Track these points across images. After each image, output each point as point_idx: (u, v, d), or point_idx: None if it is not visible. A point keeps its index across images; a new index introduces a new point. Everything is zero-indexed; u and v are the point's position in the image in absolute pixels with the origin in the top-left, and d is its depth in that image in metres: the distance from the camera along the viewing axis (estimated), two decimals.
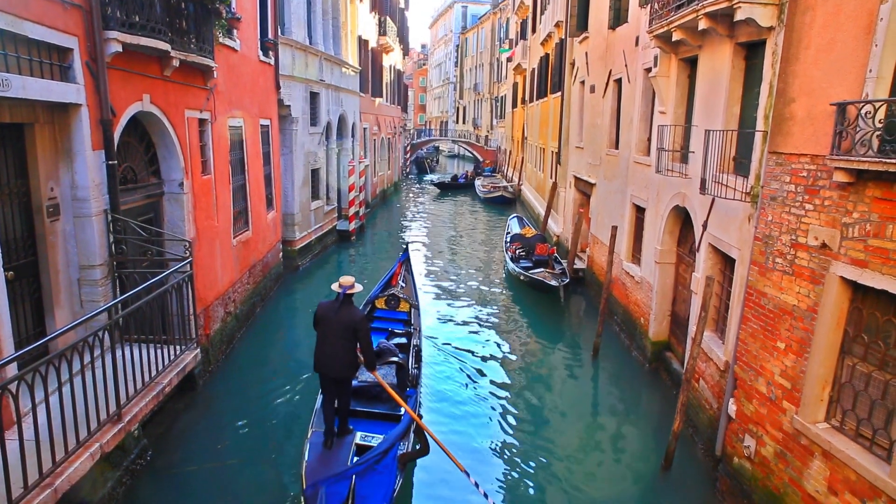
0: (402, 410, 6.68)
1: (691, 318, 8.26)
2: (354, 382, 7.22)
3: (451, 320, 12.60)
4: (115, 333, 5.17)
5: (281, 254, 14.49)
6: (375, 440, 6.44)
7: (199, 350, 6.90)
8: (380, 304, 10.37)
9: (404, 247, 13.30)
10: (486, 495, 6.16)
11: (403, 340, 8.97)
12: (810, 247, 5.48)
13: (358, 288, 6.44)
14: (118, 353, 5.13)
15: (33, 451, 4.01)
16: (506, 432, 8.18)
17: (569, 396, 9.49)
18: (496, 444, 7.85)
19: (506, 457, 7.57)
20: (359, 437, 6.45)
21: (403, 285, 11.49)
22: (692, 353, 7.17)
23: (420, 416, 6.96)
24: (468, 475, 6.21)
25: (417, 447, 6.23)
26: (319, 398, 7.03)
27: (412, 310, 10.37)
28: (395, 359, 7.80)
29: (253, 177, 11.72)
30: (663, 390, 9.24)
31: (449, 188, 36.02)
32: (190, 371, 6.83)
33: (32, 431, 4.05)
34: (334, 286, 6.47)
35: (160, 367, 5.96)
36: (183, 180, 8.16)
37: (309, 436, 6.56)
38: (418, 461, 7.03)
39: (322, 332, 6.33)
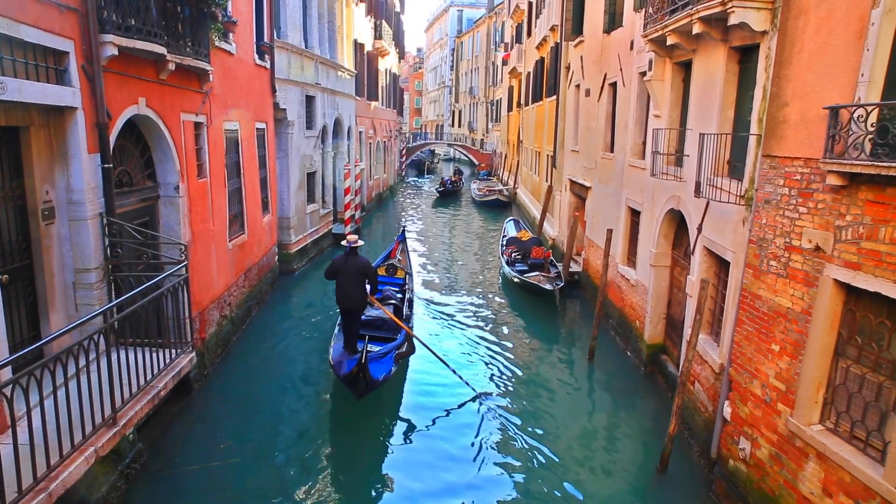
0: (397, 335, 9.38)
1: (686, 321, 8.28)
2: (363, 317, 9.56)
3: (446, 324, 12.60)
4: (111, 337, 5.15)
5: (276, 257, 14.47)
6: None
7: (194, 353, 6.88)
8: (381, 271, 12.79)
9: (402, 228, 16.65)
10: (465, 381, 9.32)
11: (399, 295, 11.66)
12: (804, 249, 5.52)
13: (360, 242, 9.14)
14: (113, 357, 5.11)
15: (27, 455, 4.00)
16: (500, 435, 8.18)
17: (564, 399, 9.49)
18: (490, 448, 7.86)
19: (500, 459, 7.58)
20: (367, 347, 8.20)
21: (400, 258, 14.34)
22: (687, 356, 7.19)
23: (411, 327, 10.20)
24: (449, 366, 9.51)
25: (407, 349, 9.22)
26: (338, 327, 9.69)
27: (406, 276, 13.12)
28: (392, 301, 10.84)
29: (249, 180, 11.71)
30: (659, 393, 9.26)
31: (448, 195, 34.62)
32: (185, 375, 6.81)
33: (27, 435, 4.03)
34: (343, 242, 9.19)
35: (155, 371, 5.94)
36: (178, 184, 8.15)
37: (332, 345, 9.14)
38: (411, 369, 10.08)
39: (339, 279, 8.75)
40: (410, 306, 11.73)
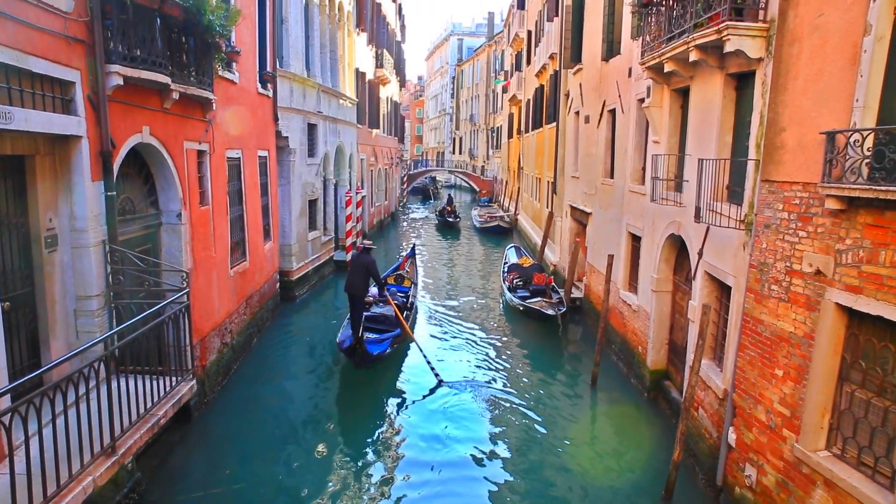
0: (396, 329, 11.50)
1: (689, 347, 8.24)
2: (368, 313, 11.66)
3: (448, 349, 12.53)
4: (111, 364, 5.13)
5: (278, 284, 14.47)
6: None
7: (194, 381, 6.85)
8: (390, 280, 14.76)
9: (412, 245, 19.23)
10: (431, 367, 10.78)
11: (404, 300, 13.65)
12: (805, 273, 5.52)
13: (374, 247, 12.22)
14: (113, 385, 5.09)
15: (24, 485, 3.95)
16: (503, 462, 8.07)
17: (567, 426, 9.39)
18: (493, 474, 7.75)
19: (504, 487, 7.47)
20: (364, 334, 10.18)
21: (408, 270, 16.69)
22: (690, 382, 7.14)
23: (410, 326, 12.52)
24: (426, 357, 11.04)
25: (402, 339, 11.46)
26: (346, 319, 11.83)
27: (412, 285, 15.21)
28: (396, 302, 12.37)
29: (250, 207, 11.78)
30: (662, 419, 9.16)
31: (447, 225, 33.81)
32: (186, 402, 6.78)
33: (24, 465, 3.99)
34: (359, 245, 12.30)
35: (155, 399, 5.91)
36: (181, 211, 8.20)
37: (340, 329, 11.67)
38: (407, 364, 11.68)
39: (350, 270, 11.36)
40: (412, 309, 14.10)
